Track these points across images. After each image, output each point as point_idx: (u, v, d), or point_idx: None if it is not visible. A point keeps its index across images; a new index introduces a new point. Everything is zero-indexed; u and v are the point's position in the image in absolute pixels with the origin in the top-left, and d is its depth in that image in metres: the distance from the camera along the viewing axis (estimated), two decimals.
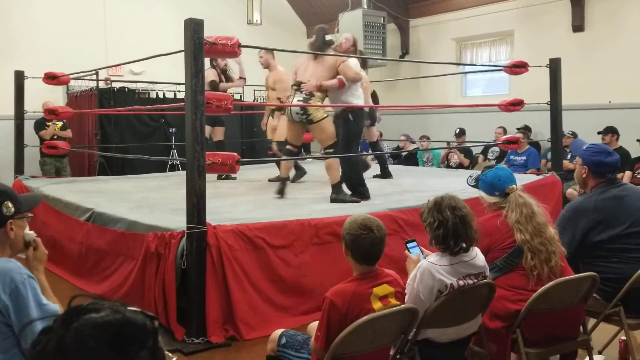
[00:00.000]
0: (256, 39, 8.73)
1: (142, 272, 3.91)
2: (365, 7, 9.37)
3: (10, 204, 1.91)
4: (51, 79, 6.39)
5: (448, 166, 8.78)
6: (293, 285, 3.97)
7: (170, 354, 3.37)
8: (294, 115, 5.12)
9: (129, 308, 0.83)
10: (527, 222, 2.58)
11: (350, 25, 9.20)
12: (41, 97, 7.45)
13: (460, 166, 8.57)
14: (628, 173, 6.75)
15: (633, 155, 6.93)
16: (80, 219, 4.88)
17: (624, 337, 3.10)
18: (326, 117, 5.15)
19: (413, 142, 9.37)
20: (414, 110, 9.56)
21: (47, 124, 7.69)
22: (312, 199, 5.28)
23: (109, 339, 0.77)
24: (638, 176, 6.71)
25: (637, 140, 6.83)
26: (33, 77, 6.55)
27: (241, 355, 3.52)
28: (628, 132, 6.96)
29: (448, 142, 8.83)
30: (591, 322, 2.97)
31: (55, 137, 7.71)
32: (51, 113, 6.54)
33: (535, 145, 8.02)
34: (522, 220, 2.58)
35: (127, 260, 4.15)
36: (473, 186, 2.91)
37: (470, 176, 2.99)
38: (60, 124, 7.90)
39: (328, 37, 5.30)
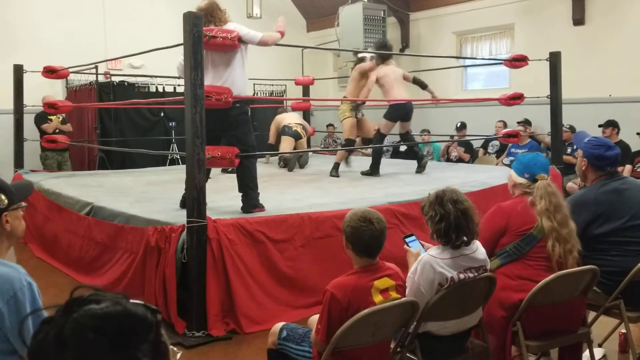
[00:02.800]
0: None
1: (142, 266, 3.92)
2: (365, 0, 9.33)
3: (3, 197, 1.89)
4: (50, 72, 6.38)
5: (448, 160, 8.77)
6: (293, 278, 3.98)
7: (175, 349, 3.37)
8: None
9: (132, 301, 0.83)
10: (555, 212, 2.59)
11: (350, 18, 9.17)
12: (40, 91, 7.42)
13: (460, 160, 8.57)
14: (628, 167, 6.75)
15: (633, 149, 6.93)
16: (80, 213, 4.88)
17: (624, 330, 3.11)
18: (346, 118, 6.44)
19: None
20: (415, 104, 9.52)
21: (50, 117, 7.68)
22: (312, 193, 5.28)
23: (108, 331, 0.76)
24: (638, 170, 6.71)
25: (637, 134, 6.82)
26: (32, 71, 6.53)
27: (242, 348, 3.53)
28: (628, 126, 6.96)
29: (452, 136, 8.80)
30: (591, 315, 2.98)
31: (57, 130, 7.73)
32: (50, 107, 6.52)
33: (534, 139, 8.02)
34: (552, 209, 2.59)
35: (127, 254, 4.15)
36: (507, 165, 2.94)
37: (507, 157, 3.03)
38: (61, 117, 7.89)
39: (361, 55, 6.52)
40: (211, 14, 4.11)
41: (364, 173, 6.39)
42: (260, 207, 4.24)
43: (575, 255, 2.58)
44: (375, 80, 6.30)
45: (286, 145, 7.35)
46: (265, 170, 6.90)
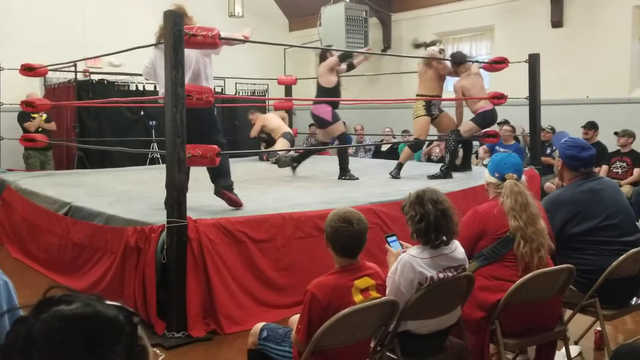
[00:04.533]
0: (238, 31, 8.67)
1: (121, 266, 3.88)
2: (348, 0, 9.35)
3: None
4: (28, 70, 6.29)
5: (429, 160, 8.82)
6: (274, 278, 3.98)
7: (158, 351, 3.35)
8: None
9: (107, 302, 0.82)
10: (521, 210, 2.61)
11: (332, 18, 9.18)
12: (18, 89, 7.32)
13: (441, 160, 8.61)
14: (604, 167, 6.86)
15: (610, 149, 7.04)
16: (58, 213, 4.82)
17: (599, 328, 3.16)
18: (419, 117, 6.24)
19: (394, 137, 9.39)
20: (397, 104, 9.58)
21: (33, 115, 7.58)
22: (294, 192, 5.28)
23: (76, 332, 0.76)
24: (614, 170, 6.82)
25: (615, 133, 6.92)
26: (9, 69, 6.44)
27: (222, 349, 3.52)
28: (605, 127, 7.07)
29: (440, 137, 8.84)
30: (568, 313, 3.02)
31: (40, 129, 7.65)
32: (28, 105, 6.42)
33: (516, 139, 8.10)
34: (517, 207, 2.61)
35: (107, 255, 4.11)
36: (485, 165, 2.96)
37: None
38: (45, 116, 7.81)
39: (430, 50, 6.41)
40: None
41: (431, 176, 6.07)
42: (230, 191, 4.37)
43: (542, 255, 2.60)
44: (460, 92, 6.23)
45: (282, 145, 7.66)
46: (247, 169, 6.88)
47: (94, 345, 0.76)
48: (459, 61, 6.26)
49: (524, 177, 2.85)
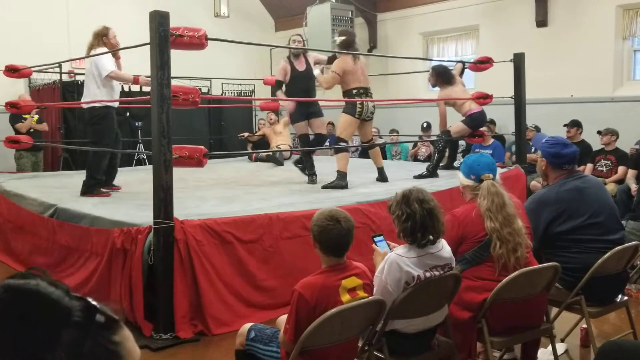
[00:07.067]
0: (223, 32, 8.63)
1: (107, 268, 3.86)
2: (333, 0, 9.36)
3: None
4: (12, 71, 6.20)
5: (416, 159, 8.86)
6: (262, 279, 3.97)
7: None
8: (370, 114, 5.81)
9: (73, 294, 0.76)
10: (497, 212, 2.61)
11: (318, 18, 9.19)
12: (1, 91, 7.24)
13: (428, 159, 8.65)
14: (589, 165, 6.92)
15: (594, 148, 7.11)
16: (44, 215, 4.77)
17: (585, 325, 3.19)
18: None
19: (380, 137, 9.42)
20: (383, 104, 9.60)
21: (24, 116, 7.51)
22: (280, 192, 5.28)
23: (14, 305, 0.73)
24: (599, 168, 6.89)
25: (598, 132, 7.00)
26: None
27: (210, 350, 3.51)
28: (589, 126, 7.14)
29: (420, 137, 8.90)
30: (553, 311, 3.05)
31: (31, 130, 7.59)
32: (12, 107, 6.34)
33: (500, 138, 8.15)
34: (493, 209, 2.61)
35: (93, 257, 4.08)
36: (457, 168, 2.95)
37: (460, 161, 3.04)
38: (36, 117, 7.74)
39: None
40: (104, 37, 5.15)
41: (417, 176, 6.07)
42: (100, 193, 5.16)
43: (519, 255, 2.60)
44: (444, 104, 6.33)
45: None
46: (234, 170, 6.85)
47: (29, 324, 0.72)
48: (442, 74, 6.35)
49: (498, 176, 2.85)
